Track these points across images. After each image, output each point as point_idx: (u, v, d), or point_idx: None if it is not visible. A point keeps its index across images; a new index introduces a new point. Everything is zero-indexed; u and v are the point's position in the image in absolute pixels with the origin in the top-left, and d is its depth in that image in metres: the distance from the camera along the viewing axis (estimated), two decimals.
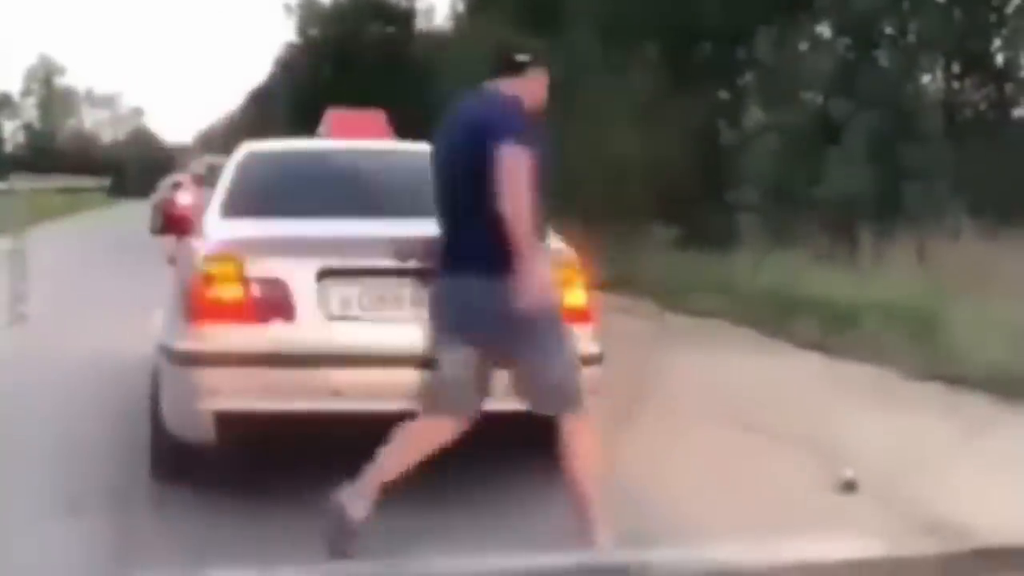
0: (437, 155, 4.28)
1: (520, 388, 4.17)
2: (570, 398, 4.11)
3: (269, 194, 5.44)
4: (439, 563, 4.22)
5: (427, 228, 5.03)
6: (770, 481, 5.37)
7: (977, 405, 6.98)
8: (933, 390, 7.40)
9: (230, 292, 4.57)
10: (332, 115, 6.98)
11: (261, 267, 4.59)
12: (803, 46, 16.24)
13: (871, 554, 4.39)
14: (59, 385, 7.08)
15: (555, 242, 5.12)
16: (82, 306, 10.29)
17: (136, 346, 5.81)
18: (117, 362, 7.30)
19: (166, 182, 28.05)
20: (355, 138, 6.32)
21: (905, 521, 4.75)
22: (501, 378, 4.59)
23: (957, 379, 7.41)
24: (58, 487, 5.04)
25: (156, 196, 27.69)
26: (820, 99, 15.56)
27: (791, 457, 5.63)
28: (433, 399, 4.17)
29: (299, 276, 4.57)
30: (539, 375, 4.11)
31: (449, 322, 4.12)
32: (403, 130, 7.03)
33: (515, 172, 3.82)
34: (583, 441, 4.13)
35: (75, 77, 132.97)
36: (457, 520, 4.66)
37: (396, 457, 4.15)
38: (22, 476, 5.26)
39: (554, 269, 4.81)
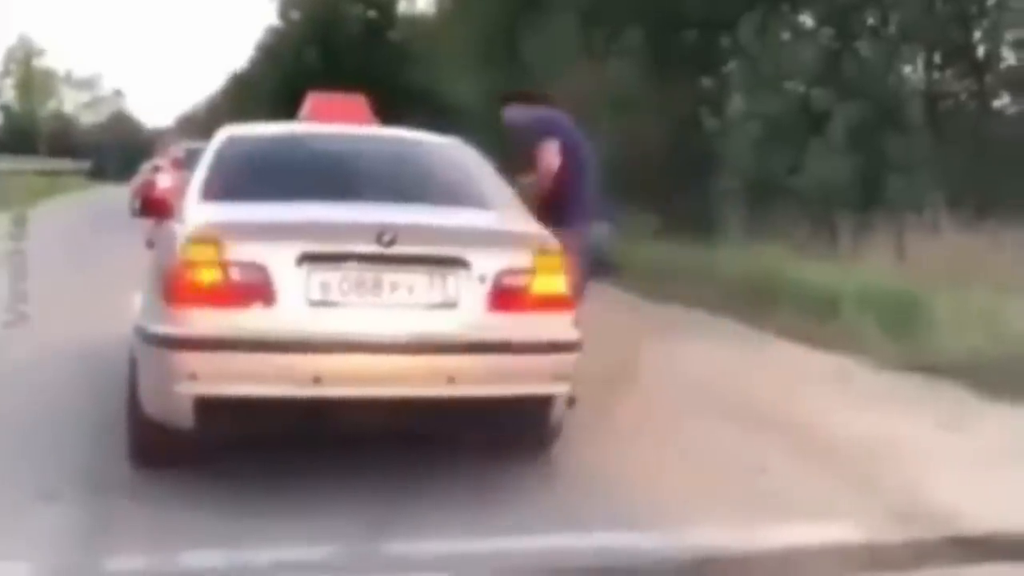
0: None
1: None
2: None
3: (249, 178, 5.41)
4: (417, 548, 4.25)
5: (406, 212, 5.05)
6: (741, 466, 5.39)
7: (954, 395, 7.01)
8: (910, 380, 7.43)
9: (209, 276, 4.54)
10: (312, 99, 6.94)
11: (240, 251, 4.56)
12: (786, 35, 16.26)
13: (848, 540, 4.44)
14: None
15: (535, 229, 5.13)
16: (69, 289, 10.26)
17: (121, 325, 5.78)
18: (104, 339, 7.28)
19: (146, 166, 27.97)
20: (335, 122, 6.29)
21: (881, 509, 4.77)
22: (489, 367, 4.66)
23: (936, 368, 7.44)
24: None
25: (136, 180, 27.62)
26: (802, 88, 15.58)
27: (766, 445, 5.65)
28: None
29: (279, 260, 4.54)
30: None
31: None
32: (384, 114, 7.01)
33: None
34: None
35: (55, 59, 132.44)
36: (438, 505, 4.66)
37: None
38: None
39: (534, 256, 4.85)
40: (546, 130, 6.37)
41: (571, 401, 5.32)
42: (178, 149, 20.84)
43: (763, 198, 14.31)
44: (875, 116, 14.52)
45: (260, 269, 4.54)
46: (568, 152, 6.32)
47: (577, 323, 4.99)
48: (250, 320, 4.52)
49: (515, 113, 6.71)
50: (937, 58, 17.00)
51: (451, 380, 4.61)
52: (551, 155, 6.21)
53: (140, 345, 4.86)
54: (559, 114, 6.72)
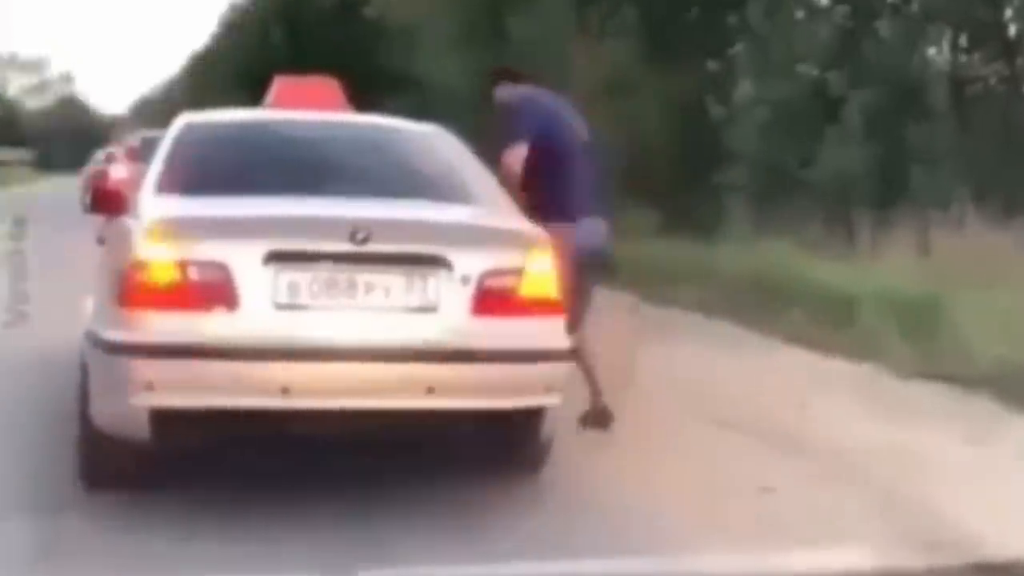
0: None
1: None
2: None
3: (210, 169, 5.40)
4: (419, 572, 4.26)
5: (382, 207, 5.05)
6: (748, 485, 5.40)
7: (982, 406, 7.03)
8: (931, 390, 7.45)
9: (166, 276, 4.53)
10: (279, 83, 6.94)
11: (201, 249, 4.55)
12: (799, 14, 16.31)
13: (863, 566, 4.46)
14: None
15: (524, 225, 5.14)
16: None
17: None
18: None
19: (98, 155, 27.99)
20: (305, 108, 6.29)
21: (901, 532, 4.79)
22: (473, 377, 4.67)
23: (961, 378, 7.45)
24: None
25: (87, 170, 27.62)
26: (816, 72, 15.63)
27: (775, 462, 5.66)
28: None
29: (243, 259, 4.53)
30: None
31: None
32: (358, 99, 7.01)
33: None
34: None
35: None
36: (435, 527, 4.66)
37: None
38: None
39: (523, 256, 4.85)
40: (524, 123, 6.36)
41: (606, 417, 5.45)
42: (134, 138, 20.85)
43: (773, 192, 14.34)
44: (896, 102, 14.56)
45: (222, 269, 4.53)
46: (546, 141, 6.27)
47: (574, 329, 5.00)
48: (212, 325, 4.51)
49: (504, 92, 6.70)
50: (964, 39, 17.04)
51: (431, 391, 4.60)
52: (513, 159, 6.19)
53: (91, 352, 4.86)
54: (545, 92, 6.73)
